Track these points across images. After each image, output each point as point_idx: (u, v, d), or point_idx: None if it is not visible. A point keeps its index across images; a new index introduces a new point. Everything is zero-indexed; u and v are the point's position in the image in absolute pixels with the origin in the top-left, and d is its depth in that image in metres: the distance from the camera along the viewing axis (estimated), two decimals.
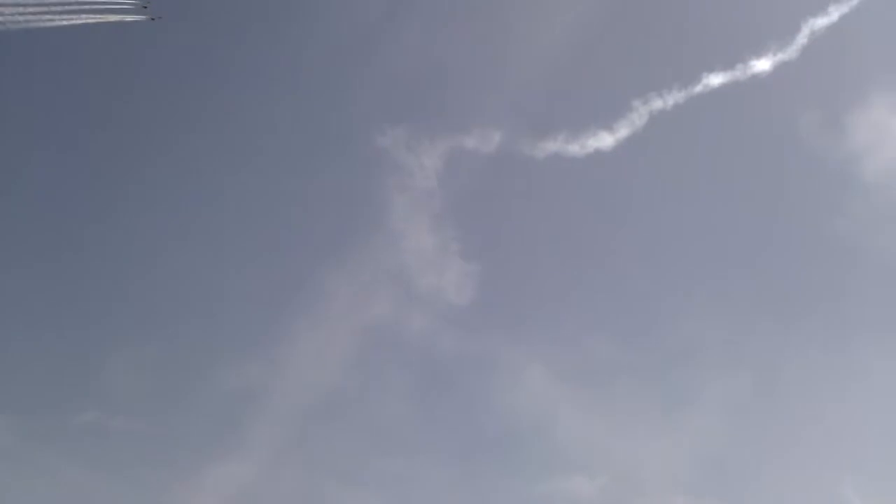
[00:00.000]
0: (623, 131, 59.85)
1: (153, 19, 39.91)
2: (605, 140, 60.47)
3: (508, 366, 64.48)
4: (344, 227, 70.77)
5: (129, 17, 39.42)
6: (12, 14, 33.14)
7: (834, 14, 54.06)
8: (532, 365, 64.25)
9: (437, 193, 65.71)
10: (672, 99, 58.28)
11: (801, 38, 54.72)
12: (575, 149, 61.26)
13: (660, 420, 61.71)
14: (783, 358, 62.17)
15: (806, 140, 64.03)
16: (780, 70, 55.88)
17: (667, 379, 63.32)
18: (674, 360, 64.41)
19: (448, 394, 66.60)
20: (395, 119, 66.97)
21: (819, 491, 56.92)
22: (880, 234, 61.73)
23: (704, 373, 62.46)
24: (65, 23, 35.84)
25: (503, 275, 70.13)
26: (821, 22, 54.36)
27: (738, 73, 56.67)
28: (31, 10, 34.72)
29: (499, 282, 69.31)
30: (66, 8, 36.31)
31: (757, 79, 56.50)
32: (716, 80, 57.14)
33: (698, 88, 57.54)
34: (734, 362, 62.58)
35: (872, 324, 60.95)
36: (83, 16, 37.03)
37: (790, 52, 55.25)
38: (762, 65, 56.00)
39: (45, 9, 35.44)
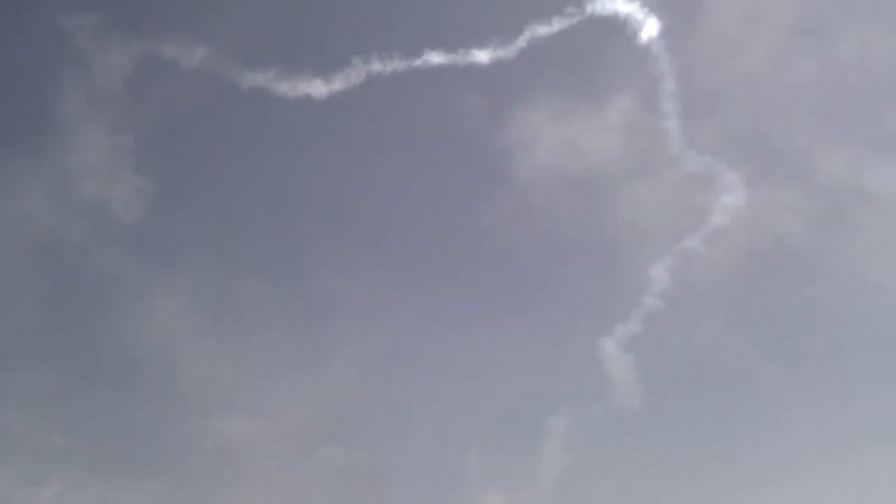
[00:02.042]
0: (338, 84, 57.88)
1: None
2: (318, 88, 58.09)
3: (162, 295, 61.78)
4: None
5: None
6: None
7: (555, 26, 55.60)
8: (183, 299, 62.19)
9: (122, 98, 58.46)
10: (392, 66, 57.14)
11: (522, 41, 55.93)
12: (284, 88, 58.10)
13: (309, 370, 62.68)
14: (427, 319, 64.70)
15: (473, 132, 65.63)
16: (496, 64, 56.67)
17: (317, 329, 64.10)
18: (325, 312, 64.81)
19: (98, 313, 61.89)
20: (88, 4, 57.75)
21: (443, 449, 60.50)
22: (523, 227, 65.29)
23: (355, 326, 64.24)
24: None
25: (176, 199, 65.23)
26: (542, 30, 55.72)
27: (457, 58, 56.86)
28: None
29: (170, 205, 64.34)
30: None
31: (473, 67, 56.99)
32: (436, 58, 56.95)
33: (418, 62, 56.96)
34: (379, 317, 64.58)
35: (505, 293, 65.43)
36: None
37: (509, 51, 56.34)
38: (482, 56, 56.61)
39: None
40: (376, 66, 57.04)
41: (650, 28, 51.12)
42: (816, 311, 58.18)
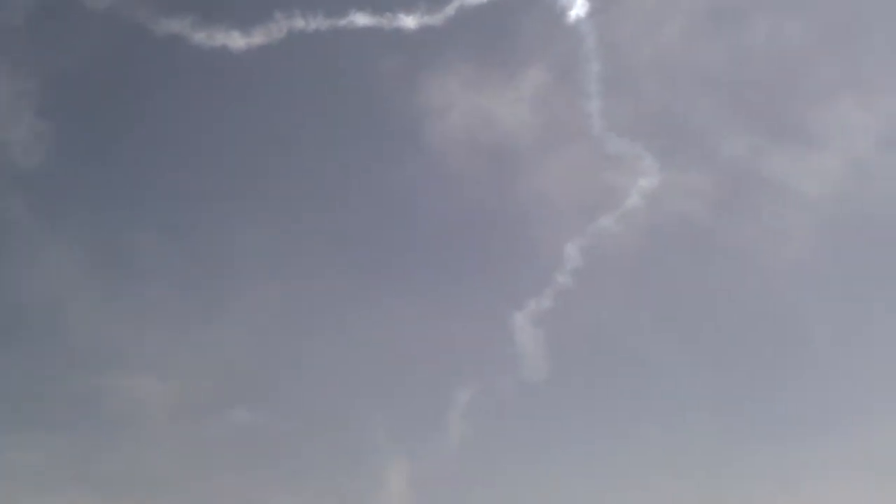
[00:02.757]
0: (258, 38, 55.70)
1: None
2: (236, 40, 55.70)
3: (56, 244, 59.23)
4: None
5: None
6: None
7: None
8: (78, 250, 59.85)
9: (24, 36, 54.64)
10: (316, 24, 55.44)
11: (450, 9, 55.21)
12: (200, 38, 55.42)
13: (207, 327, 61.32)
14: (333, 282, 63.95)
15: (389, 95, 65.14)
16: (422, 30, 55.81)
17: (216, 286, 63.02)
18: (226, 268, 63.78)
19: None
20: None
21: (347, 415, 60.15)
22: (436, 192, 64.94)
23: (256, 284, 63.23)
24: None
25: (78, 145, 62.02)
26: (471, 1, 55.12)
27: (384, 21, 55.70)
28: None
29: (71, 151, 61.08)
30: None
31: (399, 31, 55.97)
32: (362, 20, 55.60)
33: (343, 22, 55.46)
34: (283, 276, 63.58)
35: (415, 258, 65.41)
36: None
37: (436, 18, 55.54)
38: (408, 21, 55.60)
39: None
40: (299, 23, 55.22)
41: (580, 7, 51.22)
42: (714, 291, 60.61)
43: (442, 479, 56.20)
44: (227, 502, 55.54)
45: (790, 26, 61.21)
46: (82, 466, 55.17)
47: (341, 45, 58.90)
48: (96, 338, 58.12)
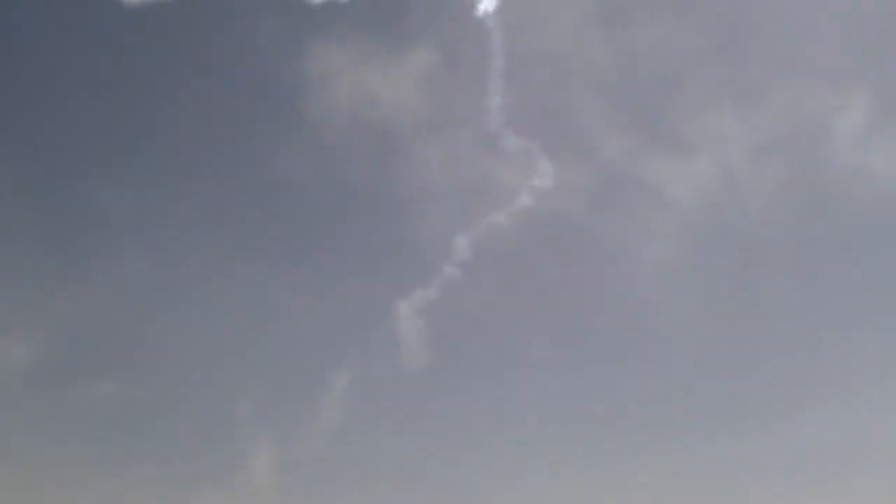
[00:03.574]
0: None
1: None
2: None
3: None
4: None
5: None
6: None
7: None
8: None
9: None
10: None
11: None
12: None
13: (70, 292, 58.09)
14: (205, 254, 61.70)
15: (269, 61, 62.64)
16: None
17: (81, 248, 60.20)
18: (93, 230, 60.99)
19: None
20: None
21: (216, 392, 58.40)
22: (315, 166, 63.72)
23: (125, 248, 60.51)
24: None
25: None
26: None
27: None
28: None
29: None
30: None
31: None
32: None
33: None
34: (152, 242, 60.80)
35: (294, 233, 63.98)
36: None
37: None
38: None
39: None
40: None
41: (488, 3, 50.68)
42: (590, 288, 62.69)
43: (313, 463, 55.52)
44: (87, 473, 53.16)
45: (677, 32, 63.26)
46: None
47: (235, 8, 55.82)
48: None
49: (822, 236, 59.35)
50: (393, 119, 60.88)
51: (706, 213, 61.71)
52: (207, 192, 63.63)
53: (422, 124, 61.51)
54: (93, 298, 58.92)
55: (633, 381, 57.37)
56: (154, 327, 59.16)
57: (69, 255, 59.84)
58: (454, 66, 60.10)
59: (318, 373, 59.10)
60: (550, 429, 54.74)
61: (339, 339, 59.08)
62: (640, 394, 56.86)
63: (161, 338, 58.83)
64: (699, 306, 60.44)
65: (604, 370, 58.22)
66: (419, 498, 52.05)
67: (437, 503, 51.75)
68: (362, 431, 55.94)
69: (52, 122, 61.16)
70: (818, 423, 52.70)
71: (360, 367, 54.50)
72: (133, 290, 60.13)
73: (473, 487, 50.73)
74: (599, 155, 61.56)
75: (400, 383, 54.12)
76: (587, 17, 62.58)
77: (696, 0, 64.05)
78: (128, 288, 60.31)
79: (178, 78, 62.84)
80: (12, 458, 52.48)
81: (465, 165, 62.22)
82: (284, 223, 64.31)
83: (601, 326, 60.45)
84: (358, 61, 60.63)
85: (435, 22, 59.61)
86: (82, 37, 60.02)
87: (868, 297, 57.35)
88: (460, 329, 59.39)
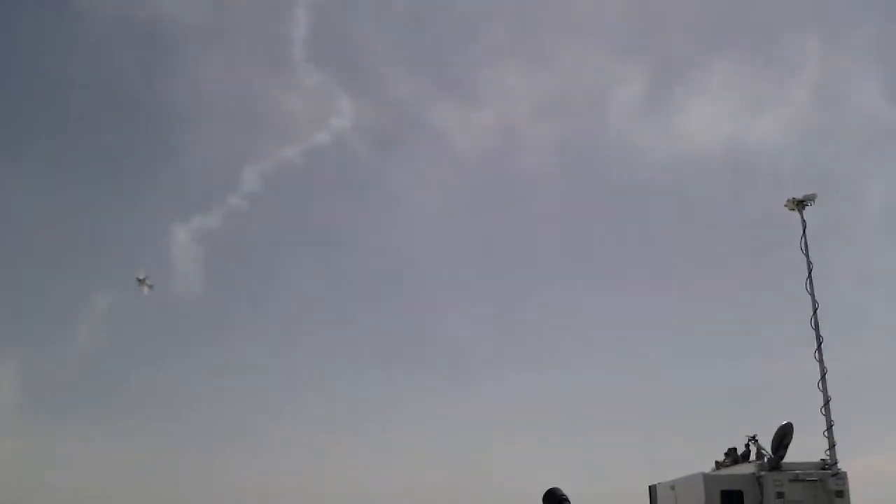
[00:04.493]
0: None
1: None
2: None
3: None
4: None
5: None
6: None
7: None
8: None
9: None
10: None
11: None
12: None
13: None
14: None
15: None
16: None
17: None
18: None
19: None
20: None
21: None
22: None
23: None
24: None
25: None
26: None
27: None
28: None
29: None
30: None
31: None
32: None
33: None
34: None
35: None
36: None
37: None
38: None
39: None
40: None
41: None
42: (363, 229, 61.56)
43: (62, 386, 51.53)
44: None
45: None
46: None
47: None
48: None
49: (589, 200, 61.26)
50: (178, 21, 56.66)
51: (483, 163, 62.18)
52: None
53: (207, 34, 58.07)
54: None
55: (393, 325, 57.10)
56: None
57: None
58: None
59: (79, 292, 54.77)
60: (316, 364, 53.34)
61: (105, 258, 54.88)
62: (401, 338, 56.57)
63: None
64: (465, 255, 60.75)
65: (369, 313, 57.62)
66: (172, 429, 49.15)
67: (192, 436, 49.03)
68: (120, 357, 52.45)
69: None
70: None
71: (126, 289, 50.59)
72: None
73: (237, 420, 48.32)
74: (389, 95, 60.47)
75: (169, 310, 50.83)
76: None
77: None
78: None
79: None
80: None
81: (257, 90, 59.34)
82: (39, 122, 58.77)
83: (370, 269, 59.80)
84: None
85: None
86: None
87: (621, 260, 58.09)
88: (239, 261, 56.85)
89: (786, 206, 15.35)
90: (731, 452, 14.53)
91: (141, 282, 37.97)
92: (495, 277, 58.57)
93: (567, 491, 9.08)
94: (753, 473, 13.13)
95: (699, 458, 15.77)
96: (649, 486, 14.90)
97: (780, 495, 12.64)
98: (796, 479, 12.81)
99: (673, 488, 14.03)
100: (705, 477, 13.34)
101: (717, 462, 14.81)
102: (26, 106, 57.36)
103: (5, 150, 55.45)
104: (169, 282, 48.55)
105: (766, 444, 13.67)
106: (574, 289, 56.30)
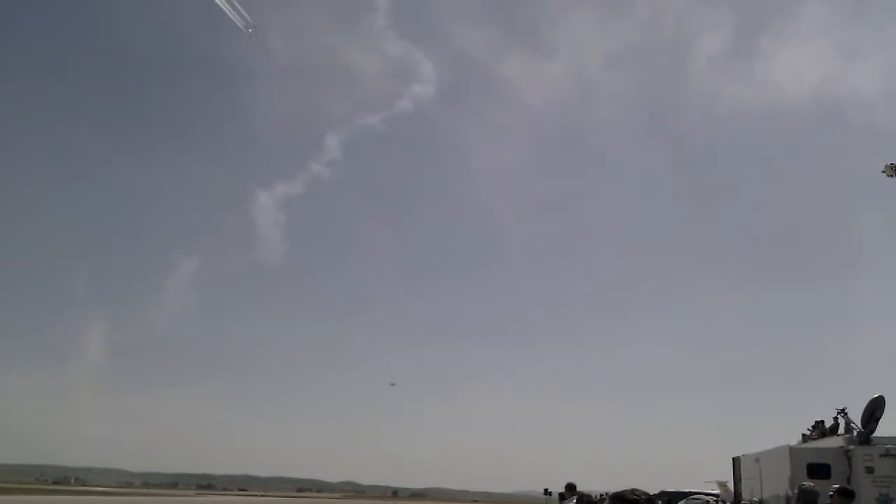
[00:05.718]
0: None
1: None
2: None
3: None
4: None
5: None
6: None
7: None
8: None
9: None
10: None
11: None
12: None
13: None
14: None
15: None
16: None
17: None
18: None
19: None
20: None
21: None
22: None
23: None
24: None
25: None
26: None
27: None
28: None
29: None
30: None
31: None
32: None
33: None
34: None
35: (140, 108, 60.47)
36: None
37: None
38: None
39: None
40: None
41: None
42: (435, 191, 61.35)
43: (150, 347, 54.00)
44: None
45: None
46: None
47: None
48: None
49: (666, 159, 59.56)
50: None
51: (556, 119, 60.89)
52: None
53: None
54: None
55: (470, 282, 57.27)
56: None
57: None
58: None
59: (165, 255, 56.80)
60: (395, 327, 54.24)
61: (189, 224, 56.74)
62: (474, 293, 56.68)
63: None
64: (535, 210, 60.02)
65: (447, 270, 57.93)
66: (256, 391, 51.24)
67: (273, 399, 51.05)
68: (205, 320, 54.59)
69: None
70: None
71: (213, 255, 52.37)
72: None
73: (316, 382, 49.98)
74: (455, 46, 59.65)
75: (253, 275, 52.53)
76: None
77: None
78: None
79: None
80: None
81: (354, 66, 59.23)
82: (140, 91, 60.36)
83: (445, 229, 59.99)
84: None
85: None
86: None
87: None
88: (321, 227, 57.85)
89: (883, 172, 14.73)
90: (819, 425, 14.25)
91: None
92: (572, 245, 58.11)
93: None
94: (842, 447, 12.82)
95: (784, 431, 15.52)
96: (733, 458, 14.81)
97: (869, 470, 12.32)
98: (887, 455, 12.41)
99: (758, 460, 13.89)
100: (791, 450, 13.13)
101: (803, 434, 14.55)
102: (121, 68, 59.31)
103: (93, 116, 57.93)
104: (254, 247, 49.98)
105: (856, 417, 13.31)
106: (655, 257, 55.41)
